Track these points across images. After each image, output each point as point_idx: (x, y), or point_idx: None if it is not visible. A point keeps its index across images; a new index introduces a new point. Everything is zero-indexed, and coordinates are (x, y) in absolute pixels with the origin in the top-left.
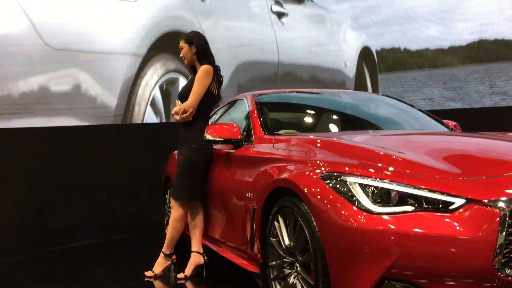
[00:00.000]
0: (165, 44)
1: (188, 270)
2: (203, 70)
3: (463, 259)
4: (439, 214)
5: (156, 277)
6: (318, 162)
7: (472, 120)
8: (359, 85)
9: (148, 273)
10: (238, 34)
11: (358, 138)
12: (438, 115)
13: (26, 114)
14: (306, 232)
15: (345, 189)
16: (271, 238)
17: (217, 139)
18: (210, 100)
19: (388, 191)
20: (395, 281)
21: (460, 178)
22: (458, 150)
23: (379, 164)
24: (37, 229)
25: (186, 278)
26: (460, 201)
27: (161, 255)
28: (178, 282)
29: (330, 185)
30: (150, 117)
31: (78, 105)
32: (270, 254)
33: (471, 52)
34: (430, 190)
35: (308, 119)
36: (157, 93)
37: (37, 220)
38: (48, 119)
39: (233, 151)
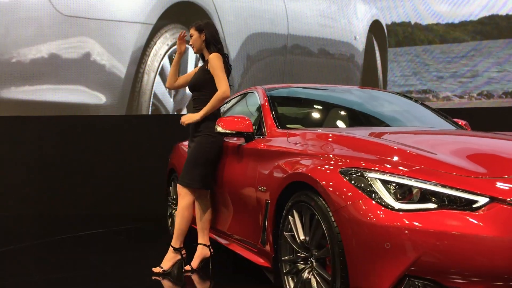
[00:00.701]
0: (175, 14)
1: (195, 263)
2: (214, 57)
3: (485, 258)
4: (462, 212)
5: (164, 273)
6: (336, 157)
7: (479, 119)
8: (368, 60)
9: (156, 269)
10: (248, 5)
11: (374, 135)
12: (447, 113)
13: (36, 79)
14: (324, 227)
15: (366, 185)
16: (284, 233)
17: (229, 131)
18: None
19: (410, 188)
20: (416, 279)
21: (483, 177)
22: (479, 148)
23: (400, 161)
24: (44, 218)
25: (192, 270)
26: (484, 199)
27: (170, 249)
28: (185, 274)
29: (350, 180)
30: (159, 87)
31: (87, 73)
32: (283, 248)
33: (482, 27)
34: (453, 188)
35: (318, 114)
36: (166, 63)
37: (44, 208)
38: (57, 87)
39: (244, 144)
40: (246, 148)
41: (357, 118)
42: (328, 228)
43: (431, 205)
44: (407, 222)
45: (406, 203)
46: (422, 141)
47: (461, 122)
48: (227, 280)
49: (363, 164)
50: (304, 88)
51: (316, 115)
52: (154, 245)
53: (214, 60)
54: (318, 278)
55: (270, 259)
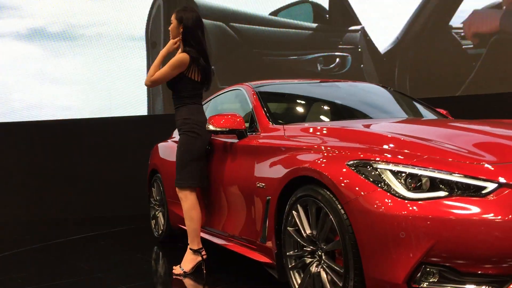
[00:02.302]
0: None
1: (187, 266)
2: (177, 58)
3: (497, 242)
4: (472, 199)
5: (185, 274)
6: (341, 150)
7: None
8: None
9: (177, 270)
10: None
11: (372, 126)
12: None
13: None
14: (333, 220)
15: (376, 176)
16: (288, 228)
17: (220, 129)
18: (191, 86)
19: (419, 178)
20: (431, 266)
21: (490, 163)
22: (480, 136)
23: (407, 151)
24: (34, 223)
25: (185, 273)
26: (492, 185)
27: (189, 251)
28: (174, 277)
29: (359, 172)
30: None
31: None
32: (287, 243)
33: None
34: (462, 175)
35: (309, 109)
36: None
37: (35, 214)
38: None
39: (237, 141)
40: (239, 146)
41: (348, 111)
42: (338, 221)
43: (442, 193)
44: (420, 211)
45: (418, 192)
46: (422, 131)
47: (442, 111)
48: (224, 279)
49: (371, 156)
50: (291, 82)
51: (307, 109)
52: (140, 248)
53: (175, 60)
54: (328, 271)
55: (272, 256)
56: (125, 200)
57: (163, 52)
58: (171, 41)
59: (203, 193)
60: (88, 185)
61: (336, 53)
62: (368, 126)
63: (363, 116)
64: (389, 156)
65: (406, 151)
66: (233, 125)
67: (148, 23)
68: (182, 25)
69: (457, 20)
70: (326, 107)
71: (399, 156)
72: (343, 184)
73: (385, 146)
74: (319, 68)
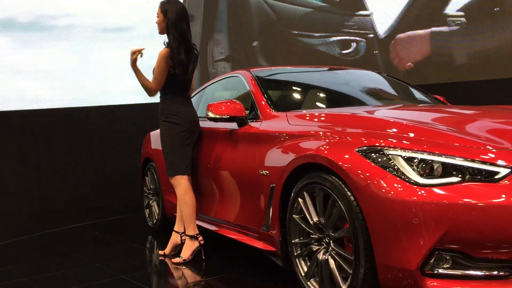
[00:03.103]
0: None
1: (167, 249)
2: (159, 55)
3: (510, 228)
4: (484, 184)
5: (185, 262)
6: (349, 136)
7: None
8: None
9: (176, 260)
10: None
11: (378, 113)
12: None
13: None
14: (343, 207)
15: (387, 163)
16: (293, 215)
17: (221, 116)
18: (173, 79)
19: (431, 163)
20: (444, 252)
21: (501, 148)
22: (488, 121)
23: (416, 137)
24: (31, 213)
25: (164, 255)
26: (505, 170)
27: (186, 238)
28: (173, 266)
29: (370, 159)
30: None
31: None
32: (293, 231)
33: None
34: (474, 161)
35: (307, 96)
36: None
37: (31, 203)
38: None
39: (237, 128)
40: (240, 133)
41: (347, 98)
42: (347, 208)
43: (454, 179)
44: (434, 197)
45: (430, 178)
46: (429, 117)
47: (439, 97)
48: (222, 267)
49: (382, 142)
50: (288, 70)
51: (306, 96)
52: (136, 237)
53: (158, 58)
54: (337, 258)
55: (275, 243)
56: (118, 189)
57: (132, 67)
58: (130, 52)
59: (202, 181)
60: (84, 174)
61: (352, 38)
62: (372, 112)
63: (364, 103)
64: (400, 142)
65: (415, 137)
66: (233, 112)
67: None
68: (167, 18)
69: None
70: (325, 94)
71: (410, 142)
72: (353, 171)
73: (393, 132)
74: (337, 52)
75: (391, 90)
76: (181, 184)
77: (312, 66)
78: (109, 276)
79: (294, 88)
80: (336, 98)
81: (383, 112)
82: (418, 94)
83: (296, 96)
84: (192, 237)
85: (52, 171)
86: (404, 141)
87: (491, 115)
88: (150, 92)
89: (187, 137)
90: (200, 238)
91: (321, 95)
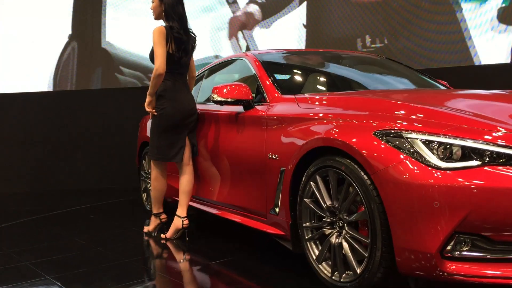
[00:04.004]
0: None
1: (169, 233)
2: (154, 31)
3: None
4: (505, 167)
5: (149, 233)
6: (364, 119)
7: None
8: None
9: (145, 229)
10: None
11: (390, 96)
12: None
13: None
14: (359, 191)
15: (406, 146)
16: (305, 199)
17: (226, 99)
18: (169, 60)
19: (451, 147)
20: (464, 235)
21: None
22: (503, 105)
23: (434, 120)
24: (31, 195)
25: (166, 239)
26: None
27: (153, 215)
28: (162, 241)
29: (388, 142)
30: None
31: None
32: (303, 215)
33: None
34: (493, 144)
35: (312, 79)
36: None
37: (32, 185)
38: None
39: (244, 112)
40: (247, 116)
41: (354, 81)
42: (364, 192)
43: (474, 163)
44: (454, 180)
45: (450, 162)
46: (443, 101)
47: (442, 82)
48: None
49: (399, 126)
50: (291, 53)
51: (311, 79)
52: (134, 221)
53: (153, 34)
54: (351, 242)
55: (284, 227)
56: (118, 172)
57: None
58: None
59: (204, 165)
60: (85, 157)
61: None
62: (385, 95)
63: (373, 87)
64: (418, 125)
65: (434, 120)
66: (240, 95)
67: None
68: (163, 2)
69: None
70: (332, 78)
71: (429, 126)
72: (370, 154)
73: (410, 116)
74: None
75: (398, 74)
76: (155, 170)
77: (314, 49)
78: (112, 259)
79: (299, 71)
80: (343, 82)
81: (397, 95)
82: (426, 79)
83: (303, 79)
84: (155, 215)
85: (51, 154)
86: (423, 125)
87: (504, 98)
88: (157, 71)
89: (176, 125)
90: (162, 216)
91: (328, 78)
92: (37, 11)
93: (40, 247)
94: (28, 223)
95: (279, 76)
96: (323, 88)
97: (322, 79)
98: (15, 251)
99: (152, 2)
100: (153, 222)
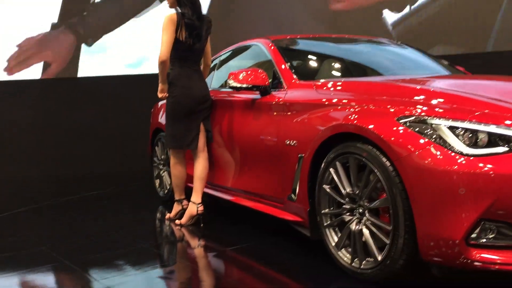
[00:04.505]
0: None
1: (183, 219)
2: (164, 19)
3: None
4: None
5: (170, 219)
6: (387, 105)
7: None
8: None
9: (167, 215)
10: None
11: (412, 82)
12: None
13: None
14: (381, 178)
15: (431, 132)
16: (324, 186)
17: (243, 85)
18: (178, 46)
19: (476, 133)
20: (490, 222)
21: None
22: None
23: (458, 106)
24: (51, 179)
25: (181, 225)
26: None
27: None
28: (176, 228)
29: (412, 128)
30: None
31: None
32: (322, 201)
33: None
34: None
35: (328, 65)
36: None
37: (51, 170)
38: None
39: (260, 98)
40: (264, 103)
41: (371, 67)
42: (386, 178)
43: (501, 149)
44: (480, 167)
45: (476, 148)
46: (465, 86)
47: (460, 68)
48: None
49: (423, 111)
50: (307, 38)
51: (327, 65)
52: (148, 207)
53: (164, 22)
54: (372, 228)
55: (301, 214)
56: (130, 157)
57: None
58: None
59: (219, 151)
60: (101, 143)
61: None
62: (406, 81)
63: (392, 73)
64: (442, 111)
65: (458, 106)
66: (257, 81)
67: None
68: None
69: None
70: (347, 63)
71: (453, 112)
72: (394, 140)
73: (434, 101)
74: None
75: (417, 60)
76: (173, 158)
77: (328, 35)
78: (128, 245)
79: (315, 57)
80: (358, 67)
81: (417, 81)
82: (440, 64)
83: (319, 65)
84: (177, 201)
85: (67, 139)
86: (446, 110)
87: None
88: (160, 58)
89: (188, 112)
90: (184, 203)
91: (343, 64)
92: None
93: (57, 233)
94: (44, 208)
95: (296, 62)
96: (338, 74)
97: (337, 64)
98: (32, 236)
99: None
100: (175, 208)
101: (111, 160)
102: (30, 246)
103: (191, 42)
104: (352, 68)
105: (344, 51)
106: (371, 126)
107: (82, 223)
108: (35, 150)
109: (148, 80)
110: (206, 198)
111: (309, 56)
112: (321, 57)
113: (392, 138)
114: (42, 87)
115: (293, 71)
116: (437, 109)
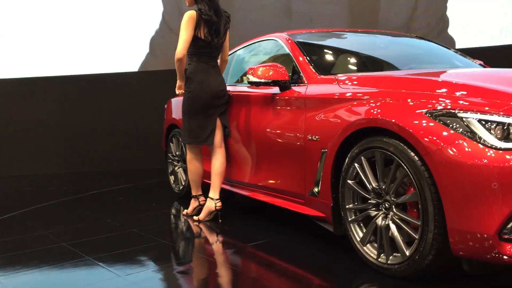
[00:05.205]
0: None
1: (201, 215)
2: (184, 16)
3: None
4: None
5: (187, 215)
6: (414, 99)
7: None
8: None
9: (184, 212)
10: None
11: (436, 75)
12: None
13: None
14: (409, 172)
15: (462, 126)
16: (348, 181)
17: (262, 81)
18: (199, 44)
19: (508, 127)
20: None
21: None
22: None
23: (489, 99)
24: (69, 175)
25: (199, 221)
26: None
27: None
28: (194, 224)
29: (442, 122)
30: None
31: None
32: (346, 197)
33: None
34: None
35: (346, 59)
36: None
37: (71, 166)
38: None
39: (280, 93)
40: (284, 98)
41: (391, 62)
42: (415, 173)
43: None
44: None
45: (508, 141)
46: (492, 79)
47: (478, 61)
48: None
49: (453, 105)
50: (324, 33)
51: (351, 60)
52: (164, 203)
53: (183, 20)
54: (400, 223)
55: (324, 209)
56: (146, 154)
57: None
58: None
59: (237, 146)
60: (117, 139)
61: None
62: (431, 74)
63: (406, 66)
64: (473, 104)
65: (488, 99)
66: (277, 76)
67: None
68: None
69: None
70: (366, 58)
71: (484, 105)
72: (422, 135)
73: (463, 95)
74: None
75: (436, 52)
76: (189, 153)
77: (346, 29)
78: (148, 241)
79: (334, 51)
80: (376, 62)
81: (440, 74)
82: (463, 59)
83: (338, 59)
84: (194, 197)
85: (86, 136)
86: (475, 104)
87: None
88: (176, 56)
89: (204, 108)
90: (202, 199)
91: (362, 58)
92: None
93: (76, 228)
94: (62, 204)
95: (315, 57)
96: (357, 68)
97: (356, 59)
98: (52, 232)
99: None
100: (192, 205)
101: (129, 157)
102: (50, 242)
103: (210, 38)
104: (369, 62)
105: (362, 44)
106: (398, 120)
107: (100, 219)
108: (51, 147)
109: (167, 76)
110: (223, 194)
111: (327, 50)
112: (340, 52)
113: (421, 132)
114: (62, 84)
115: (312, 65)
116: (464, 102)
